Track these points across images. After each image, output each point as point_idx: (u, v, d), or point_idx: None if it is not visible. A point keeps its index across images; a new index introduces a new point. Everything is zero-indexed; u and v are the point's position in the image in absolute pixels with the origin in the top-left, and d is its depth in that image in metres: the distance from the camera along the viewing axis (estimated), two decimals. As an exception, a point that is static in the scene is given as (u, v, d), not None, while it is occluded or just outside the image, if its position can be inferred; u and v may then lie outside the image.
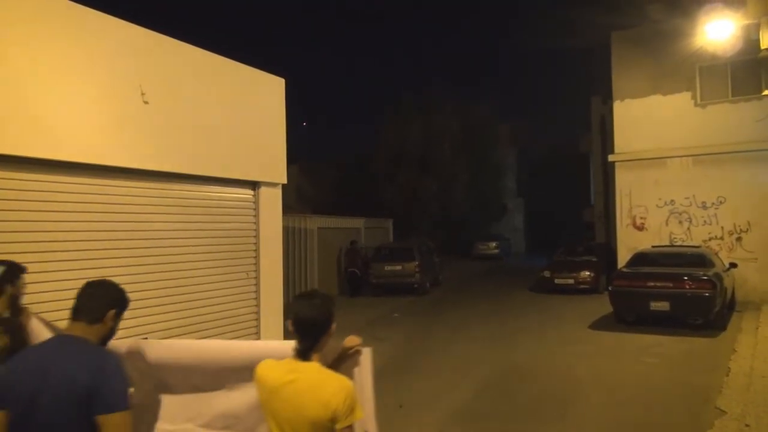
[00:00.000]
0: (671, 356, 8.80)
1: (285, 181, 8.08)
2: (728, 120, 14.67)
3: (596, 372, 8.00)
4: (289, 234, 14.18)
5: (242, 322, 7.24)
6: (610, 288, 11.45)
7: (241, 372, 2.77)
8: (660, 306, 10.43)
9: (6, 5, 4.76)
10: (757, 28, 10.19)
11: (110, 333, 2.45)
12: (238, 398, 2.89)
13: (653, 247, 13.75)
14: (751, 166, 14.13)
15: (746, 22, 10.43)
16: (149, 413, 2.96)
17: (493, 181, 30.51)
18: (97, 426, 2.10)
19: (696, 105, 15.32)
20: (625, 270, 11.92)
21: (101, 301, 2.41)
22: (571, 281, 16.22)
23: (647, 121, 15.77)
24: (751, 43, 11.64)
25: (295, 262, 15.38)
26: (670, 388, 7.15)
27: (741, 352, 8.60)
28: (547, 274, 16.82)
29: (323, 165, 31.47)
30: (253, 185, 7.57)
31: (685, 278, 10.40)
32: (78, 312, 2.35)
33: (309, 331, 2.27)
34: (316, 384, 2.20)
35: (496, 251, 31.43)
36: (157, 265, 5.96)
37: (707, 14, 11.56)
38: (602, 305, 12.42)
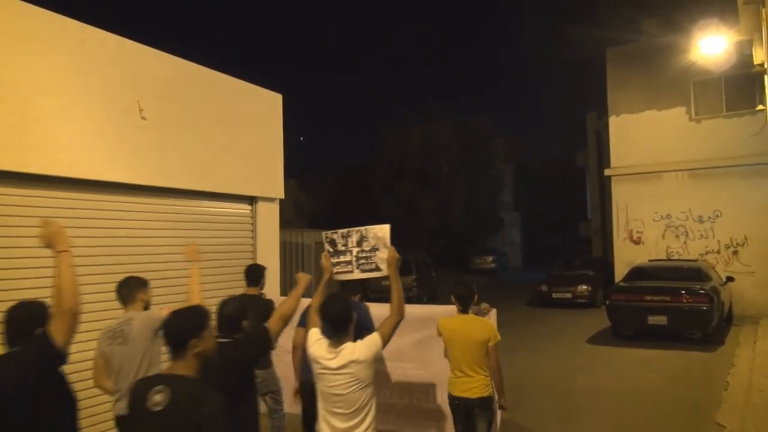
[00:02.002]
0: (669, 370, 8.78)
1: (282, 196, 8.08)
2: (723, 134, 14.77)
3: (595, 387, 7.98)
4: (286, 249, 14.16)
5: (239, 337, 7.17)
6: (607, 302, 11.45)
7: (413, 323, 4.49)
8: (658, 320, 10.43)
9: (3, 21, 4.79)
10: (750, 44, 10.32)
11: None
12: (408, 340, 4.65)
13: (650, 261, 13.78)
14: (747, 179, 14.20)
15: (739, 38, 10.57)
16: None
17: (491, 195, 30.57)
18: None
19: (691, 120, 15.43)
20: (622, 284, 11.93)
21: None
22: (569, 295, 16.22)
23: (643, 136, 15.87)
24: (744, 58, 11.78)
25: (292, 276, 15.31)
26: (669, 403, 7.13)
27: (739, 367, 8.59)
28: (544, 288, 16.82)
29: (321, 179, 31.50)
30: (251, 200, 7.57)
31: (683, 292, 10.41)
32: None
33: (468, 302, 4.25)
34: (477, 323, 4.24)
35: (493, 265, 31.41)
36: (155, 280, 5.93)
37: (701, 30, 11.72)
38: (600, 319, 12.40)
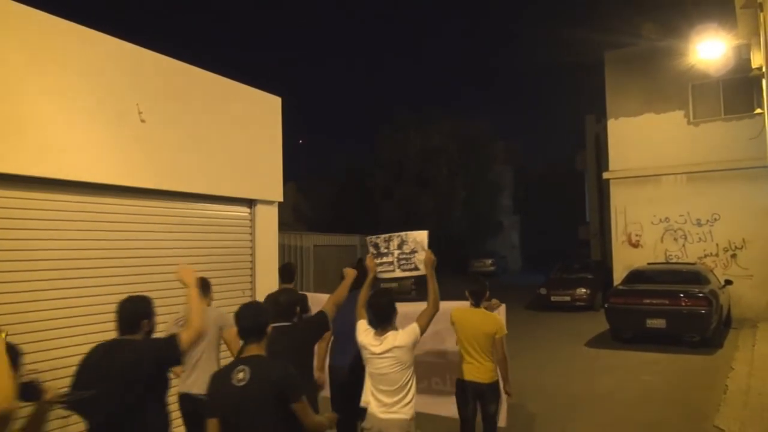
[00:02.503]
0: (668, 374, 8.78)
1: (281, 199, 8.08)
2: (721, 138, 14.81)
3: (593, 390, 7.98)
4: (285, 252, 14.16)
5: (238, 340, 7.16)
6: (606, 305, 11.45)
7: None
8: (656, 323, 10.43)
9: (1, 25, 4.79)
10: (747, 48, 10.35)
11: None
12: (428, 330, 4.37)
13: (649, 264, 13.79)
14: (745, 183, 14.22)
15: (737, 42, 10.60)
16: None
17: (490, 198, 30.60)
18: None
19: (689, 123, 15.47)
20: (621, 287, 11.94)
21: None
22: (568, 298, 16.22)
23: (641, 139, 15.91)
24: (742, 62, 11.83)
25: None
26: (668, 406, 7.13)
27: (738, 370, 8.59)
28: (543, 291, 16.83)
29: (320, 182, 31.51)
30: (250, 203, 7.57)
31: (681, 295, 10.42)
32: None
33: (480, 297, 4.63)
34: (486, 316, 4.61)
35: (492, 268, 31.41)
36: (153, 283, 5.93)
37: (699, 34, 11.75)
38: (599, 322, 12.41)
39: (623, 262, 15.64)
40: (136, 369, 2.88)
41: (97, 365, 2.94)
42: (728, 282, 12.43)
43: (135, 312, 3.12)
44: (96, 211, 5.56)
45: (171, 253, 6.19)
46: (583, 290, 16.20)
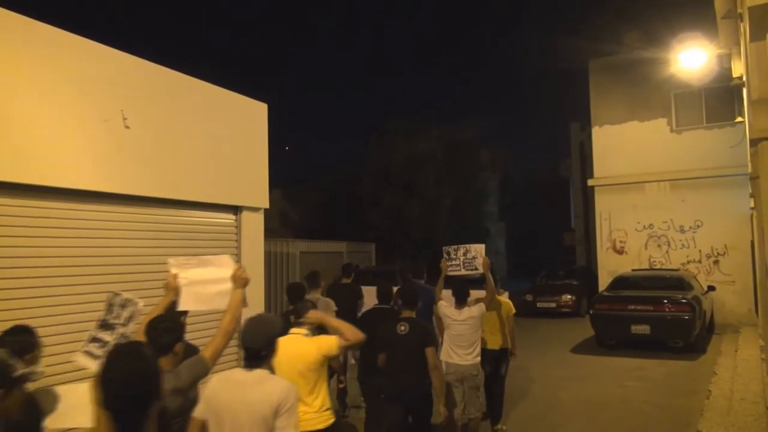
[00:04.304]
0: (653, 379, 8.84)
1: (267, 206, 8.05)
2: (703, 145, 15.00)
3: (579, 396, 8.01)
4: (271, 259, 14.07)
5: (223, 348, 7.09)
6: (591, 311, 11.52)
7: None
8: (641, 329, 10.51)
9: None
10: (729, 57, 10.49)
11: None
12: None
13: (633, 270, 13.90)
14: (727, 190, 14.40)
15: (718, 51, 10.74)
16: None
17: (476, 205, 30.67)
18: None
19: (672, 131, 15.66)
20: (605, 293, 12.02)
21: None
22: (553, 305, 16.29)
23: (625, 147, 16.07)
24: (723, 71, 11.99)
25: (277, 286, 15.24)
26: (652, 412, 7.18)
27: (721, 375, 8.67)
28: (529, 297, 16.87)
29: (307, 189, 31.38)
30: (235, 210, 7.53)
31: (665, 301, 10.51)
32: None
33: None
34: (501, 303, 6.56)
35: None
36: (138, 291, 5.87)
37: (681, 43, 11.91)
38: (584, 328, 12.47)
39: (608, 268, 15.76)
40: None
41: None
42: (711, 288, 12.56)
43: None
44: (79, 218, 5.51)
45: (154, 260, 6.13)
46: (569, 296, 16.28)
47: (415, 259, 24.42)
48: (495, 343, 6.30)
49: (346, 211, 27.72)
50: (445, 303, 5.80)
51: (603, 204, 16.48)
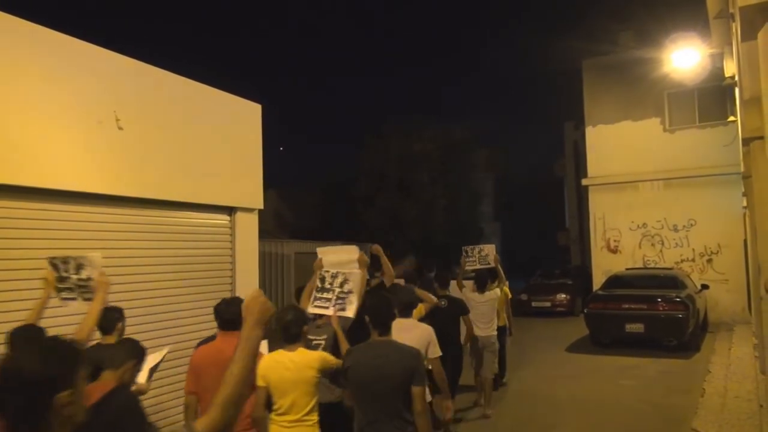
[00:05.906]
0: (647, 378, 8.87)
1: (262, 207, 8.03)
2: (697, 145, 15.07)
3: (574, 394, 8.03)
4: (265, 259, 14.04)
5: (218, 349, 7.07)
6: (585, 311, 11.55)
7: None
8: (635, 328, 10.55)
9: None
10: (721, 57, 10.54)
11: None
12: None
13: (627, 269, 13.94)
14: (720, 189, 14.46)
15: (711, 51, 10.79)
16: None
17: (471, 205, 30.70)
18: None
19: (665, 130, 15.72)
20: (600, 293, 12.06)
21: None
22: (548, 304, 16.34)
23: (619, 146, 16.12)
24: (716, 71, 12.04)
25: (272, 287, 15.21)
26: (647, 410, 7.21)
27: (715, 373, 8.72)
28: (524, 297, 16.92)
29: (302, 190, 31.35)
30: (229, 211, 7.51)
31: (659, 300, 10.55)
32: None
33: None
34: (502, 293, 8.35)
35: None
36: (131, 292, 5.86)
37: (674, 43, 11.95)
38: (578, 328, 12.51)
39: (602, 267, 15.80)
40: None
41: None
42: (705, 286, 12.61)
43: None
44: (73, 220, 5.48)
45: (149, 261, 6.13)
46: (563, 296, 16.33)
47: (413, 257, 24.40)
48: (499, 321, 7.85)
49: (342, 212, 27.70)
50: (469, 289, 7.48)
51: (597, 203, 16.53)
